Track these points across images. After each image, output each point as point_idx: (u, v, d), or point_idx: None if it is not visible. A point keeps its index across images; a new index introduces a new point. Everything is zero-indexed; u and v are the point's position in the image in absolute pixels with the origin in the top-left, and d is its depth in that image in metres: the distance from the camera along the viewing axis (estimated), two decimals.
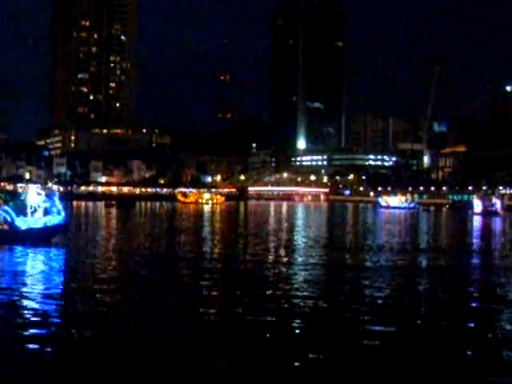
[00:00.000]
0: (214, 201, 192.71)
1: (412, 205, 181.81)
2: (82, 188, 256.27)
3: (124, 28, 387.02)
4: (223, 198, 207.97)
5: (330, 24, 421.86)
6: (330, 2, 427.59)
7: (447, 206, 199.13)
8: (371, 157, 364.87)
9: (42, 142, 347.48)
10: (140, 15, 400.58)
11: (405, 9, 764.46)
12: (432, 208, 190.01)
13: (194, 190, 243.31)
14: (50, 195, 49.71)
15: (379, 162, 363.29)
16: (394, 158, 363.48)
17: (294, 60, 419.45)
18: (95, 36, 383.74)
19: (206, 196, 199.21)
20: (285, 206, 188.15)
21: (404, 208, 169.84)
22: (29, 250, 41.65)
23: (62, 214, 48.18)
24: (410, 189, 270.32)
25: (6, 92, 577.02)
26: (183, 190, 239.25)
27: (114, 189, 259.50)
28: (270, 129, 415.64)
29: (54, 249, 43.91)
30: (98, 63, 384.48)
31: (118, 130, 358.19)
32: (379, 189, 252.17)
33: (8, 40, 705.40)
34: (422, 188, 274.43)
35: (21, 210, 46.84)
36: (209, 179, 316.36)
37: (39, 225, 46.88)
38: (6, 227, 46.59)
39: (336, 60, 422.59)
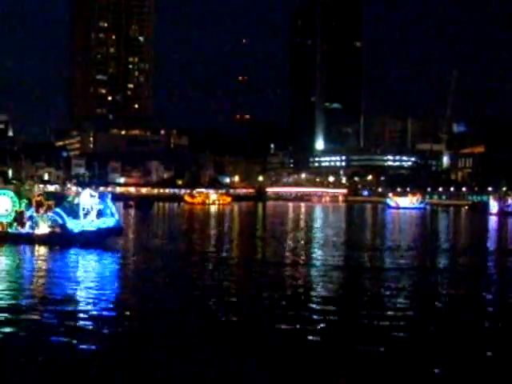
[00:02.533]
0: (221, 201, 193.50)
1: (422, 205, 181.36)
2: (101, 189, 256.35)
3: (142, 29, 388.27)
4: (230, 199, 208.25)
5: (349, 24, 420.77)
6: (348, 2, 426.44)
7: (467, 207, 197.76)
8: (390, 157, 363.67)
9: (60, 143, 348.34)
10: (158, 16, 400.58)
11: (424, 8, 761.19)
12: (451, 209, 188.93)
13: (212, 191, 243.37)
14: (101, 197, 48.86)
15: (398, 163, 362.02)
16: (412, 159, 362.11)
17: (312, 60, 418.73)
18: (113, 37, 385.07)
19: (213, 197, 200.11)
20: (303, 207, 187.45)
21: (414, 208, 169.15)
22: (82, 253, 40.95)
23: (116, 216, 47.58)
24: (429, 189, 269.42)
25: (25, 93, 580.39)
26: (202, 190, 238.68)
27: (132, 190, 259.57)
28: (289, 129, 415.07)
29: (108, 251, 43.19)
30: (116, 64, 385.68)
31: (137, 131, 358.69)
32: (398, 189, 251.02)
33: (27, 41, 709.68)
34: (441, 189, 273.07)
35: (69, 212, 46.18)
36: (227, 180, 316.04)
37: (92, 227, 46.15)
38: (57, 230, 46.09)
39: (354, 60, 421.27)
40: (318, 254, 44.31)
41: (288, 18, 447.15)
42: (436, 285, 31.87)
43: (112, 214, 47.17)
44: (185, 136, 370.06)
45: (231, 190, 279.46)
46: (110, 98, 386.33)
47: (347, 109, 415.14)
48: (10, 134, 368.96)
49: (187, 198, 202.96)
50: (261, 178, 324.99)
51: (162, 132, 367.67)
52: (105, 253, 42.37)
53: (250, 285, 30.69)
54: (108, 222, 46.83)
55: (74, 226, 45.76)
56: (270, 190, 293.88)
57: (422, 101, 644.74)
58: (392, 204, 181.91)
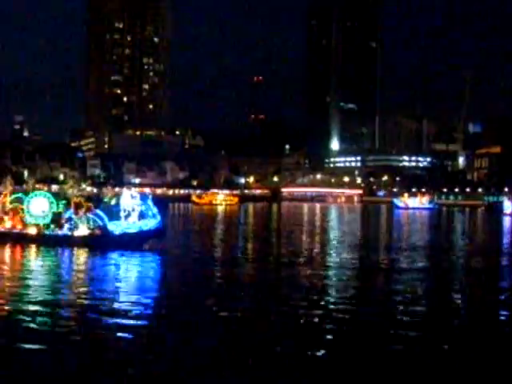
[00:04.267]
0: (228, 202, 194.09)
1: (431, 205, 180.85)
2: (116, 189, 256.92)
3: (157, 30, 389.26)
4: (236, 199, 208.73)
5: (364, 24, 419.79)
6: (364, 2, 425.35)
7: (483, 208, 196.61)
8: (405, 158, 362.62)
9: (75, 144, 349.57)
10: (172, 17, 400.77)
11: (439, 9, 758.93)
12: (467, 209, 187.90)
13: (227, 192, 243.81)
14: (143, 197, 47.54)
15: (413, 163, 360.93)
16: (428, 159, 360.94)
17: (327, 61, 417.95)
18: (129, 38, 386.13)
19: (220, 197, 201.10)
20: (318, 207, 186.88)
21: (423, 209, 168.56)
22: (122, 256, 40.08)
23: (158, 217, 46.12)
24: (445, 190, 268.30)
25: (41, 94, 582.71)
26: (216, 191, 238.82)
27: (147, 190, 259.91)
28: (304, 130, 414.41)
29: (149, 254, 42.30)
30: (131, 65, 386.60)
31: (152, 132, 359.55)
32: (413, 190, 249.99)
33: (43, 42, 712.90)
34: (456, 189, 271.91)
35: (106, 213, 45.22)
36: (242, 180, 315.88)
37: (134, 229, 45.01)
38: (97, 232, 45.17)
39: (370, 60, 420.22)
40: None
41: (304, 18, 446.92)
42: (451, 285, 31.43)
43: (154, 216, 45.83)
44: (199, 136, 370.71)
45: (246, 191, 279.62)
46: (125, 99, 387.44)
47: (362, 109, 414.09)
48: (26, 134, 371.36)
49: (194, 199, 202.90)
50: (276, 179, 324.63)
51: (177, 132, 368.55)
52: (147, 255, 41.52)
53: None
54: (150, 223, 45.55)
55: (114, 227, 44.81)
56: (284, 190, 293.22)
57: (438, 101, 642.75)
58: (400, 204, 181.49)
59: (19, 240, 46.07)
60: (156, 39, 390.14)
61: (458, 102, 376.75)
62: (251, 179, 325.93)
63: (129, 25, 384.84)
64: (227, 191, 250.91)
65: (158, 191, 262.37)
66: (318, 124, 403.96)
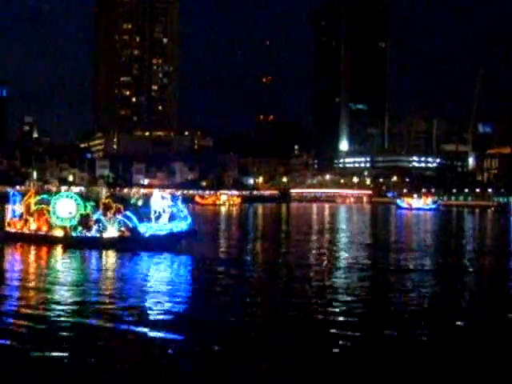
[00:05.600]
0: (231, 202, 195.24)
1: (435, 206, 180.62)
2: (125, 190, 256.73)
3: (166, 31, 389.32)
4: (239, 200, 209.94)
5: (373, 24, 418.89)
6: (372, 2, 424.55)
7: (492, 208, 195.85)
8: (415, 158, 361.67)
9: (84, 145, 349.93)
10: (181, 18, 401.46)
11: (449, 8, 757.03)
12: (477, 210, 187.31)
13: (236, 192, 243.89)
14: (173, 199, 47.10)
15: (423, 164, 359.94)
16: (438, 160, 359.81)
17: (336, 61, 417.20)
18: (137, 39, 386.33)
19: (223, 198, 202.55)
20: (327, 208, 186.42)
21: (427, 209, 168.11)
22: (153, 258, 39.48)
23: (189, 219, 45.81)
24: (455, 190, 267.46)
25: (50, 95, 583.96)
26: (225, 192, 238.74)
27: (142, 191, 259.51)
28: (313, 130, 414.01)
29: (180, 255, 41.66)
30: (140, 66, 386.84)
31: (161, 133, 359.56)
32: (423, 190, 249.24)
33: (52, 44, 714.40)
34: (466, 190, 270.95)
35: (135, 215, 44.62)
36: (251, 181, 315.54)
37: (164, 231, 44.49)
38: (127, 233, 44.57)
39: (379, 61, 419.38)
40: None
41: (312, 19, 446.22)
42: (461, 286, 31.11)
43: (185, 217, 45.49)
44: (209, 137, 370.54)
45: (255, 192, 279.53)
46: (134, 100, 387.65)
47: (372, 109, 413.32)
48: (35, 135, 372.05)
49: (198, 199, 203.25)
50: (285, 179, 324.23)
51: (186, 133, 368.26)
52: (178, 257, 40.82)
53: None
54: (181, 225, 45.15)
55: (145, 229, 44.15)
56: (293, 191, 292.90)
57: (448, 101, 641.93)
58: (403, 205, 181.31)
59: (45, 242, 45.30)
60: (165, 40, 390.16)
61: (468, 102, 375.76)
62: (260, 180, 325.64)
63: (137, 26, 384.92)
64: (236, 192, 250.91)
65: (167, 192, 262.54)
66: (327, 124, 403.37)
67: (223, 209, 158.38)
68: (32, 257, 40.70)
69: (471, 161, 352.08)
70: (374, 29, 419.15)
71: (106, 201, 46.23)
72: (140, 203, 46.55)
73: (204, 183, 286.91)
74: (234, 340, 19.66)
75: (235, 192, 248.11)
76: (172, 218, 44.89)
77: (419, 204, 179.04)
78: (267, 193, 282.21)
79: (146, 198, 47.25)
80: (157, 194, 46.60)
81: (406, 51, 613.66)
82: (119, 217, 44.86)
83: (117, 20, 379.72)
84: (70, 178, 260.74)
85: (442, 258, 44.90)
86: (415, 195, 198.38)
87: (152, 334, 20.00)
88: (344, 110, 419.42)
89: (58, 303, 24.70)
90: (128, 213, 44.89)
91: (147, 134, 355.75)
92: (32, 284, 29.60)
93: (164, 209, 44.72)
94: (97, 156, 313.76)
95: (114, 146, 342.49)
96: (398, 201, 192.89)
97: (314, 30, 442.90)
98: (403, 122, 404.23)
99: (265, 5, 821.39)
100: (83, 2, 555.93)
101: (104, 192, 48.91)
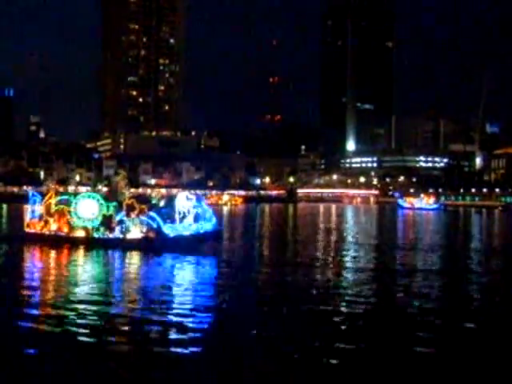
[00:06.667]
0: (233, 202, 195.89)
1: (437, 206, 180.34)
2: (132, 190, 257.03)
3: (173, 31, 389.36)
4: (241, 200, 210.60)
5: (380, 24, 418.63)
6: (379, 2, 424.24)
7: (500, 208, 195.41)
8: (422, 158, 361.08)
9: (91, 145, 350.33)
10: (188, 18, 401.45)
11: (456, 7, 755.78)
12: (484, 210, 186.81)
13: (243, 192, 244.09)
14: (198, 199, 46.04)
15: (430, 164, 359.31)
16: (445, 160, 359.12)
17: (343, 61, 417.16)
18: (144, 39, 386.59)
19: (225, 198, 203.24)
20: (334, 208, 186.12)
21: (429, 209, 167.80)
22: (178, 260, 38.76)
23: (214, 219, 45.01)
24: (462, 190, 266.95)
25: (57, 95, 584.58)
26: (232, 191, 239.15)
27: (163, 191, 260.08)
28: (320, 130, 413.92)
29: (206, 257, 40.92)
30: (147, 66, 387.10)
31: (167, 133, 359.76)
32: (430, 190, 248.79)
33: (59, 44, 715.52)
34: (473, 190, 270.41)
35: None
36: (258, 181, 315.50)
37: (190, 232, 43.65)
38: (151, 235, 43.80)
39: (386, 60, 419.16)
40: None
41: (319, 19, 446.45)
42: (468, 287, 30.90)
43: (210, 218, 44.64)
44: (215, 137, 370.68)
45: (261, 192, 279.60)
46: (140, 100, 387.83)
47: (379, 109, 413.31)
48: (42, 135, 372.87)
49: None
50: (291, 179, 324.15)
51: (193, 133, 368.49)
52: (203, 259, 40.37)
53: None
54: (206, 226, 44.26)
55: (169, 230, 43.44)
56: (300, 191, 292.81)
57: (455, 101, 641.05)
58: (405, 205, 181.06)
59: (66, 243, 44.64)
60: (172, 40, 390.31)
61: (475, 102, 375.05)
62: (267, 180, 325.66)
63: (144, 26, 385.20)
64: (243, 192, 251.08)
65: (174, 192, 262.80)
66: (333, 124, 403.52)
67: (225, 208, 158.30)
68: (52, 258, 40.27)
69: (478, 161, 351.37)
70: (380, 28, 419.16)
71: (130, 201, 45.63)
72: (161, 204, 46.01)
73: (211, 183, 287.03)
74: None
75: (242, 192, 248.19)
76: (197, 218, 44.10)
77: (421, 204, 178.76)
78: (274, 193, 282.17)
79: (169, 199, 46.63)
80: (182, 194, 46.00)
81: (413, 50, 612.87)
82: (143, 217, 44.51)
83: (124, 20, 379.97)
84: (77, 178, 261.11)
85: (450, 258, 44.64)
86: (422, 195, 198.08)
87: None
88: (351, 109, 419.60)
89: (81, 302, 24.56)
90: (152, 213, 44.15)
91: (154, 134, 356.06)
92: (54, 284, 29.30)
93: (189, 209, 43.90)
94: (104, 156, 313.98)
95: (121, 146, 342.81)
96: (400, 200, 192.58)
97: (320, 30, 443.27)
98: (410, 122, 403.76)
99: (272, 5, 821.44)
100: (90, 1, 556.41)
101: (127, 192, 47.92)
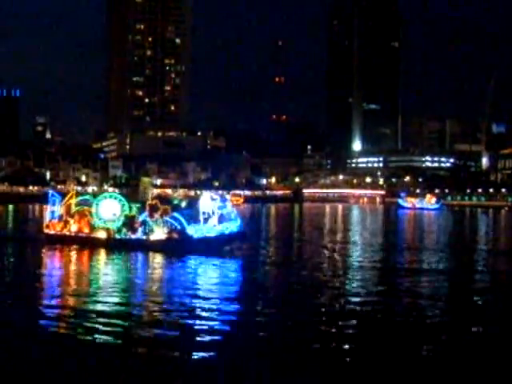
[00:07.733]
0: (234, 202, 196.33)
1: (438, 206, 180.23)
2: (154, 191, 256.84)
3: (178, 31, 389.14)
4: (242, 199, 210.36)
5: (386, 24, 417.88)
6: (385, 2, 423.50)
7: (506, 208, 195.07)
8: (428, 158, 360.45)
9: (97, 145, 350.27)
10: (194, 18, 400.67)
11: (462, 8, 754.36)
12: (491, 210, 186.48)
13: (248, 192, 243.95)
14: (222, 200, 45.85)
15: (436, 164, 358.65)
16: (451, 160, 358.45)
17: (349, 61, 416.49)
18: (150, 39, 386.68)
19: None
20: (340, 208, 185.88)
21: (430, 209, 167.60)
22: (202, 261, 38.64)
23: (238, 220, 44.65)
24: (468, 190, 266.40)
25: (63, 95, 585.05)
26: (238, 191, 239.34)
27: (169, 191, 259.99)
28: (326, 130, 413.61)
29: (230, 259, 40.81)
30: (152, 66, 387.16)
31: (173, 133, 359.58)
32: (436, 191, 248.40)
33: (65, 44, 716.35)
34: (480, 190, 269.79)
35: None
36: (263, 181, 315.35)
37: (214, 233, 43.30)
38: (175, 236, 43.52)
39: (392, 60, 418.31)
40: None
41: (325, 19, 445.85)
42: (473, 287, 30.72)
43: (235, 219, 44.35)
44: (221, 137, 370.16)
45: (267, 192, 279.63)
46: (146, 100, 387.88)
47: (385, 109, 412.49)
48: (48, 135, 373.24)
49: None
50: (297, 180, 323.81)
51: (199, 133, 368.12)
52: (228, 260, 39.85)
53: None
54: (231, 227, 44.03)
55: (193, 231, 43.09)
56: (306, 191, 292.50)
57: (461, 101, 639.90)
58: (406, 205, 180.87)
59: (86, 244, 44.26)
60: (177, 40, 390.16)
61: (481, 101, 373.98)
62: (273, 180, 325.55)
63: (150, 26, 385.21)
64: (248, 192, 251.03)
65: (180, 192, 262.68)
66: (340, 124, 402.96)
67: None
68: (74, 260, 39.78)
69: (485, 161, 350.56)
70: (386, 28, 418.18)
71: (153, 202, 45.02)
72: (183, 204, 45.49)
73: (216, 183, 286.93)
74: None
75: (248, 192, 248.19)
76: (221, 219, 43.73)
77: (422, 204, 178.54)
78: (280, 193, 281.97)
79: (191, 200, 46.27)
80: (206, 195, 45.51)
81: (419, 51, 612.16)
82: (167, 218, 43.81)
83: (129, 20, 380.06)
84: (83, 178, 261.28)
85: (456, 258, 44.44)
86: (428, 195, 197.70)
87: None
88: (357, 109, 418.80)
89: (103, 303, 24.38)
90: (176, 214, 43.77)
91: (160, 134, 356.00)
92: (76, 288, 28.90)
93: (213, 210, 43.46)
94: (109, 156, 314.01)
95: (127, 147, 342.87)
96: (400, 200, 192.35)
97: (326, 30, 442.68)
98: (416, 122, 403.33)
99: (278, 4, 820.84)
100: (96, 2, 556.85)
101: (150, 193, 47.49)
